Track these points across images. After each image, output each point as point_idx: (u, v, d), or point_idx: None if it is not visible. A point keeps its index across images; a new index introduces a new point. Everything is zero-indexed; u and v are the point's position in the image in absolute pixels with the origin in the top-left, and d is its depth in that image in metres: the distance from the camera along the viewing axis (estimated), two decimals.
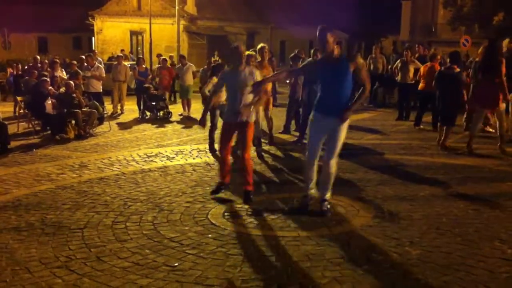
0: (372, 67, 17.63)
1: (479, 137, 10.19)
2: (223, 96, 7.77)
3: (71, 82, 12.65)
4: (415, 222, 5.61)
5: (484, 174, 7.84)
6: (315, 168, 5.94)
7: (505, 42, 11.92)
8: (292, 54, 11.78)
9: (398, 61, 14.74)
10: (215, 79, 9.63)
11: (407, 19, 38.78)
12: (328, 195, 5.94)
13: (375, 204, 6.22)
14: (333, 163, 5.81)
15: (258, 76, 6.43)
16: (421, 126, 12.22)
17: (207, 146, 10.08)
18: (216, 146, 8.66)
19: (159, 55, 19.62)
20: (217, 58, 24.94)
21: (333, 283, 4.17)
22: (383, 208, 6.07)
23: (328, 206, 5.90)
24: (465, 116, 11.66)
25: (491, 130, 11.19)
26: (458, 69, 10.03)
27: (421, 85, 12.34)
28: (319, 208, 5.87)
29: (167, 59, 18.22)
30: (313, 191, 6.04)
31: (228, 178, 6.71)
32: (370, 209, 6.05)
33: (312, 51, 10.66)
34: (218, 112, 9.47)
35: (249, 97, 6.37)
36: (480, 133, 10.46)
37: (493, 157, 8.97)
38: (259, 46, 10.24)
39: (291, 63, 11.34)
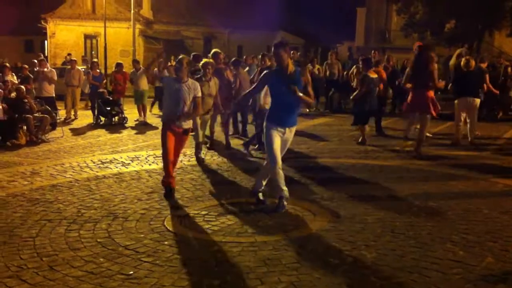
0: (328, 72, 17.86)
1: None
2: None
3: (22, 86, 12.34)
4: (370, 225, 5.68)
5: (434, 177, 8.02)
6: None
7: (458, 52, 12.25)
8: (233, 59, 12.29)
9: (354, 67, 14.92)
10: None
11: (362, 26, 39.41)
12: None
13: (331, 208, 6.27)
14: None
15: (198, 91, 6.94)
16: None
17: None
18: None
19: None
20: (174, 63, 24.73)
21: None
22: (338, 212, 6.12)
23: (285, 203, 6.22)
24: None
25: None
26: (375, 74, 10.94)
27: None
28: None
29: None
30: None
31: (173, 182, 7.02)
32: (326, 213, 6.10)
33: (260, 56, 11.18)
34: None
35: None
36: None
37: (443, 159, 9.20)
38: (212, 52, 10.38)
39: (232, 67, 11.55)
